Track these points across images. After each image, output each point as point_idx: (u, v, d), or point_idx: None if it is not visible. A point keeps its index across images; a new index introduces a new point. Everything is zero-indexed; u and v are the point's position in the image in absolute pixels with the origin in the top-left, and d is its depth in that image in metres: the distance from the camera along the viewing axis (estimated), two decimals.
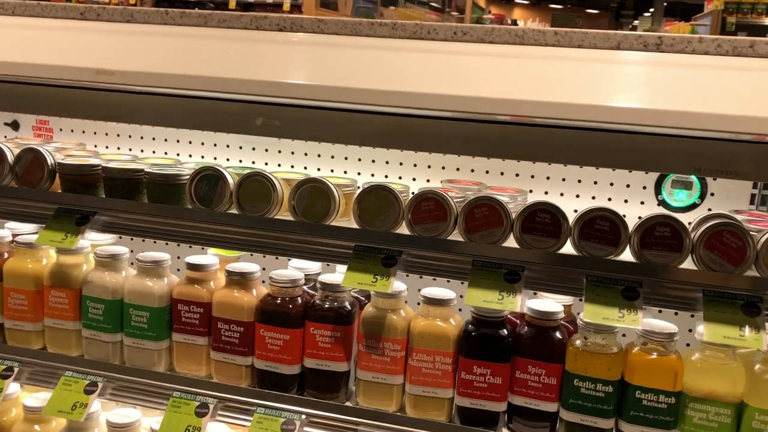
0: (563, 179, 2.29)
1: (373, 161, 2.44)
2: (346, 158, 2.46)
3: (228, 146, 2.56)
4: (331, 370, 1.90)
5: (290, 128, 1.90)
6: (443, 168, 2.39)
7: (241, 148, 2.55)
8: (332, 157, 2.47)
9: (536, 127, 1.72)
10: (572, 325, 1.93)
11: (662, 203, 2.23)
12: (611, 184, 2.26)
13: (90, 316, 2.03)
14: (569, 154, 1.72)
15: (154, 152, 2.64)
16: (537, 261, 1.74)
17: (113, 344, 2.04)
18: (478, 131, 1.76)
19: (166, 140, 2.62)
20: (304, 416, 1.89)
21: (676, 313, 2.19)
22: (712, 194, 2.19)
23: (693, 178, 2.18)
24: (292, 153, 2.51)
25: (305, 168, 2.50)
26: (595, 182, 2.27)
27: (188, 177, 1.95)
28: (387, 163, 2.42)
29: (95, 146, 2.69)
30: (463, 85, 1.62)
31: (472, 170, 2.36)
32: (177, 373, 2.03)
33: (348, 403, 1.92)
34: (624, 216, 1.73)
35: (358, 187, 2.02)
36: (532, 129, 1.73)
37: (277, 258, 2.52)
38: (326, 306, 1.90)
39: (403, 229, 1.84)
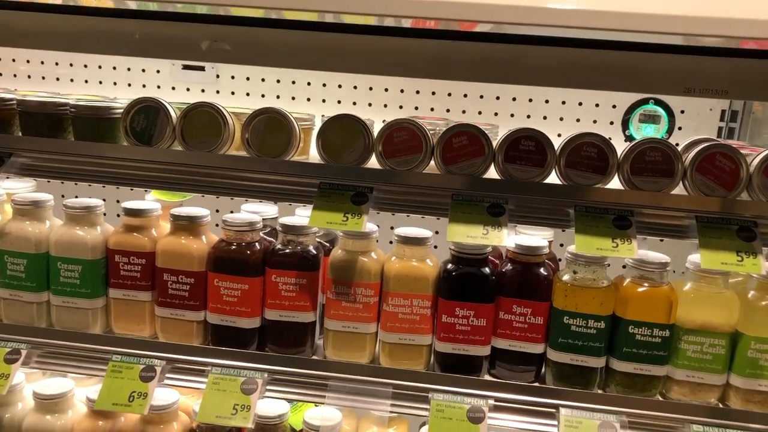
0: (528, 116, 2.18)
1: (324, 101, 2.25)
2: (293, 98, 2.26)
3: (159, 87, 2.30)
4: (297, 321, 1.71)
5: (240, 52, 1.68)
6: (401, 107, 2.23)
7: (174, 89, 2.30)
8: (278, 97, 2.27)
9: (515, 45, 1.58)
10: (552, 263, 1.82)
11: (629, 139, 2.15)
12: (578, 120, 2.16)
13: (8, 274, 1.75)
14: (556, 75, 1.59)
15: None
16: (525, 193, 1.60)
17: (38, 305, 1.77)
18: (459, 50, 1.61)
19: (86, 81, 2.33)
20: (266, 374, 1.69)
21: None
22: (680, 128, 2.13)
23: (661, 111, 2.11)
24: (233, 93, 2.29)
25: None
26: (561, 118, 2.17)
27: (122, 110, 1.70)
28: (339, 102, 2.24)
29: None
30: None
31: (432, 109, 2.21)
32: (116, 334, 1.79)
33: (315, 357, 1.74)
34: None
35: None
36: (510, 47, 1.59)
37: (217, 199, 2.31)
38: (289, 251, 1.70)
39: (373, 163, 1.67)
